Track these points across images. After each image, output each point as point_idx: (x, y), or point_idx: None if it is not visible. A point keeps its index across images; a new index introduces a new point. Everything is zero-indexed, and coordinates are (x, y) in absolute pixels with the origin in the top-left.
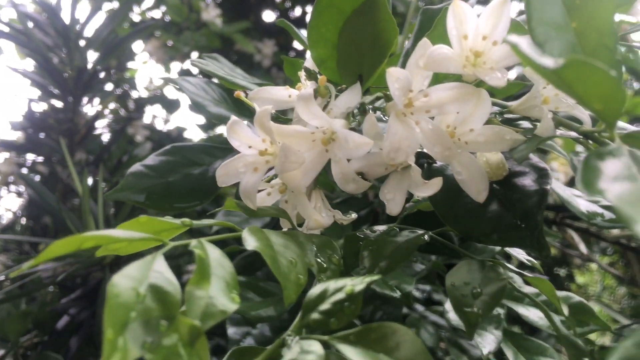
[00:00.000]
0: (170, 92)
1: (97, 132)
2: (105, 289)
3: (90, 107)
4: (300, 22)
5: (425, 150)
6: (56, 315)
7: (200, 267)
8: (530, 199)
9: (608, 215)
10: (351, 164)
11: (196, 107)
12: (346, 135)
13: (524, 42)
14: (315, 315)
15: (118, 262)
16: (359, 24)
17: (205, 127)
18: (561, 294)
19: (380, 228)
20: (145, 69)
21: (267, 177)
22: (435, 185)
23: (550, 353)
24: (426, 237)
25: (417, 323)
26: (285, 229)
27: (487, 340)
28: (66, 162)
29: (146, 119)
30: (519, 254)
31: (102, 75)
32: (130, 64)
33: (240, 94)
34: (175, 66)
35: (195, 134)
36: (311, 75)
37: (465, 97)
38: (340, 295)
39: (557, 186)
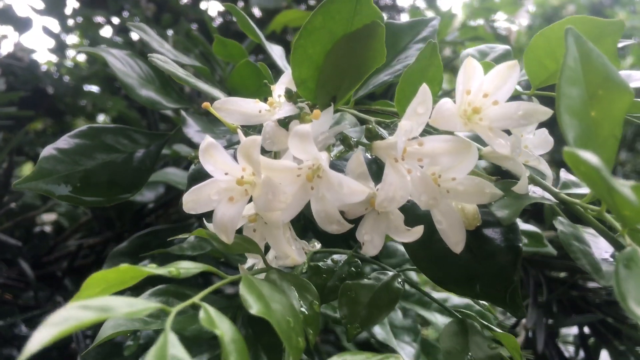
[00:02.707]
0: (20, 9)
1: None
2: None
3: None
4: None
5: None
6: None
7: (223, 349)
8: (503, 255)
9: None
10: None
11: (124, 88)
12: (341, 180)
13: (599, 163)
14: None
15: None
16: (350, 48)
17: (56, 50)
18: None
19: (341, 258)
20: None
21: None
22: (416, 233)
23: None
24: (399, 279)
25: None
26: (251, 260)
27: (406, 351)
28: None
29: None
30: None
31: None
32: None
33: (208, 105)
34: None
35: (44, 57)
36: (291, 97)
37: (460, 151)
38: None
39: None
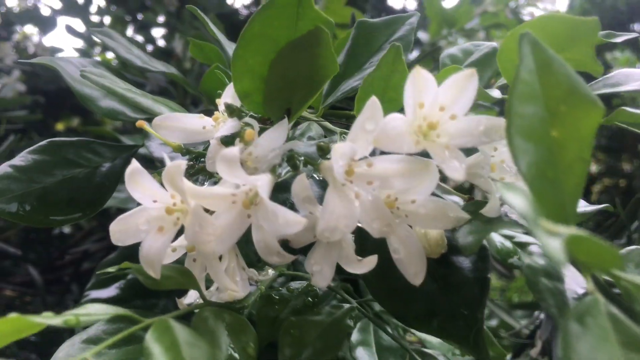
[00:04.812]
0: (45, 9)
1: None
2: None
3: None
4: None
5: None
6: None
7: None
8: (469, 288)
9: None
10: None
11: (81, 100)
12: (275, 209)
13: (556, 246)
14: None
15: None
16: (295, 58)
17: (84, 53)
18: None
19: (300, 286)
20: None
21: None
22: (369, 264)
23: None
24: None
25: None
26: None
27: None
28: None
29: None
30: None
31: None
32: None
33: (143, 124)
34: None
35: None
36: (233, 112)
37: (415, 172)
38: None
39: None
